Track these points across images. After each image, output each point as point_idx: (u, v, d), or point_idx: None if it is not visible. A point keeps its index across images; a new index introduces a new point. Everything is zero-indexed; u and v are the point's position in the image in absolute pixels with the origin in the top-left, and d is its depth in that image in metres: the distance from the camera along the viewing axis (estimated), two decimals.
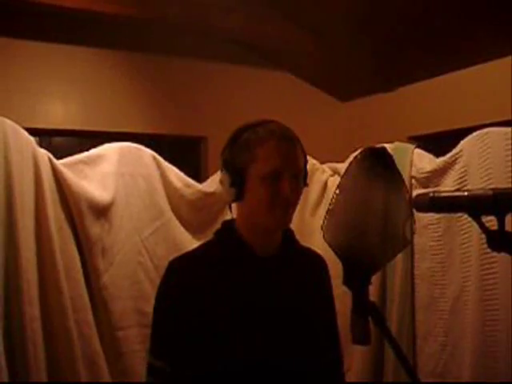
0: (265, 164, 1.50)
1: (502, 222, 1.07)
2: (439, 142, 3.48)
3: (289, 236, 1.66)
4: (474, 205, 1.09)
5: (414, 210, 1.28)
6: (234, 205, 1.62)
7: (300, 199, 1.60)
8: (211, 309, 1.50)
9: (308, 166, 2.90)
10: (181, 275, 1.54)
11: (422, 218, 2.37)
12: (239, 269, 1.56)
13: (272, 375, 1.51)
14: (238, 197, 1.55)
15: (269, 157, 1.51)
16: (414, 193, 1.96)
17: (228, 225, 1.64)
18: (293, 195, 1.54)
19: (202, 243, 1.68)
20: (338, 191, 1.38)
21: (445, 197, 1.17)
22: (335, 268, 1.74)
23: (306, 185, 1.62)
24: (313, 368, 1.57)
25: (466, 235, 2.27)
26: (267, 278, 1.57)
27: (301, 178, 1.58)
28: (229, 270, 1.56)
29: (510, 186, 2.03)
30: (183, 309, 1.50)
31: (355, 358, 2.56)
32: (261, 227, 1.57)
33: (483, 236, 2.10)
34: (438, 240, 2.40)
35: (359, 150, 1.41)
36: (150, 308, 2.38)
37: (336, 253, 1.36)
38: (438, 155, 2.53)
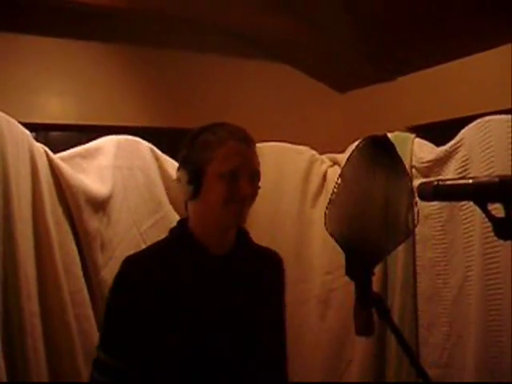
0: (224, 163, 1.55)
1: (508, 210, 1.05)
2: (439, 132, 3.45)
3: (243, 235, 1.70)
4: (480, 192, 1.07)
5: (418, 199, 1.26)
6: None
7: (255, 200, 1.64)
8: (163, 306, 1.53)
9: (307, 157, 2.90)
10: (135, 273, 1.56)
11: (424, 207, 2.35)
12: (191, 267, 1.59)
13: (219, 370, 1.53)
14: (195, 194, 1.57)
15: (228, 156, 1.55)
16: (415, 182, 1.94)
17: (182, 223, 1.67)
18: (249, 195, 1.58)
19: (156, 241, 1.69)
20: (339, 180, 1.37)
21: (449, 185, 1.15)
22: (338, 258, 1.74)
23: (258, 187, 1.65)
24: (256, 363, 1.61)
25: (469, 224, 2.26)
26: (219, 276, 1.60)
27: (257, 179, 1.62)
28: (181, 269, 1.58)
29: None
30: (136, 306, 1.52)
31: (358, 349, 2.54)
32: (216, 225, 1.60)
33: (486, 225, 2.10)
34: (440, 229, 2.38)
35: (361, 139, 1.39)
36: None
37: (338, 243, 1.35)
38: (437, 145, 2.51)
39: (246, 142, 1.60)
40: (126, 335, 1.53)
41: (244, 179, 1.56)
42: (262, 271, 1.70)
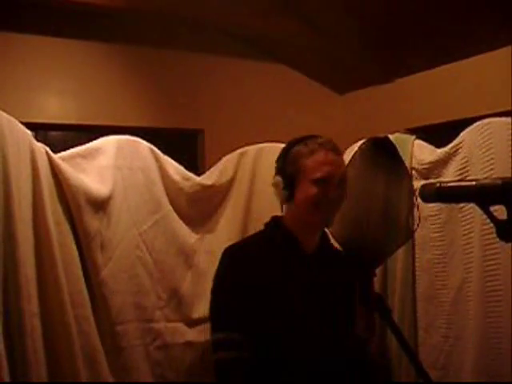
0: (316, 170, 1.77)
1: (511, 212, 1.05)
2: (437, 134, 3.46)
3: (325, 237, 1.90)
4: (483, 194, 1.07)
5: (420, 200, 1.27)
6: None
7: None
8: (261, 290, 1.76)
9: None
10: (237, 261, 1.84)
11: (423, 209, 2.35)
12: (287, 259, 1.84)
13: (318, 349, 1.78)
14: (290, 198, 1.82)
15: (319, 164, 1.77)
16: (415, 184, 1.94)
17: (277, 220, 1.92)
18: (338, 198, 1.75)
19: (251, 235, 1.99)
20: None
21: (452, 187, 1.15)
22: None
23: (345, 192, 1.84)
24: (346, 339, 1.84)
25: (468, 226, 2.26)
26: (308, 271, 1.84)
27: (345, 184, 1.79)
28: (278, 259, 1.83)
29: None
30: (241, 288, 1.78)
31: None
32: (308, 224, 1.84)
33: (485, 227, 2.11)
34: (439, 231, 2.39)
35: (362, 141, 1.40)
36: (148, 302, 2.40)
37: (341, 244, 1.36)
38: (436, 147, 2.52)
39: (335, 152, 1.80)
40: (238, 312, 1.77)
41: (333, 185, 1.76)
42: (342, 269, 1.88)
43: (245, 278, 1.79)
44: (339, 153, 1.82)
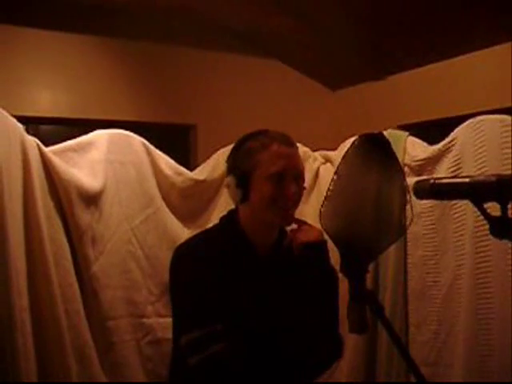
0: (270, 166, 1.66)
1: (504, 209, 1.05)
2: (429, 131, 3.47)
3: (281, 238, 1.80)
4: (477, 191, 1.07)
5: (413, 197, 1.26)
6: None
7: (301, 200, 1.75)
8: (214, 294, 1.62)
9: (300, 154, 2.90)
10: (186, 263, 1.69)
11: (416, 205, 2.34)
12: (239, 264, 1.71)
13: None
14: (244, 197, 1.70)
15: (274, 159, 1.67)
16: (407, 180, 1.94)
17: (233, 217, 1.78)
18: (295, 195, 1.69)
19: (205, 230, 1.86)
20: (335, 177, 1.37)
21: (446, 183, 1.15)
22: (332, 255, 1.74)
23: (304, 188, 1.77)
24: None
25: (460, 223, 2.27)
26: (263, 273, 1.74)
27: (302, 180, 1.73)
28: (229, 264, 1.69)
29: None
30: (196, 281, 1.64)
31: (348, 347, 2.54)
32: (266, 223, 1.73)
33: (477, 224, 2.11)
34: (431, 228, 2.39)
35: (356, 136, 1.39)
36: (140, 297, 2.40)
37: (333, 239, 1.35)
38: (429, 144, 2.53)
39: (289, 145, 1.71)
40: (202, 306, 1.62)
41: (289, 180, 1.67)
42: (296, 272, 1.76)
43: (194, 278, 1.64)
44: (293, 145, 1.72)
